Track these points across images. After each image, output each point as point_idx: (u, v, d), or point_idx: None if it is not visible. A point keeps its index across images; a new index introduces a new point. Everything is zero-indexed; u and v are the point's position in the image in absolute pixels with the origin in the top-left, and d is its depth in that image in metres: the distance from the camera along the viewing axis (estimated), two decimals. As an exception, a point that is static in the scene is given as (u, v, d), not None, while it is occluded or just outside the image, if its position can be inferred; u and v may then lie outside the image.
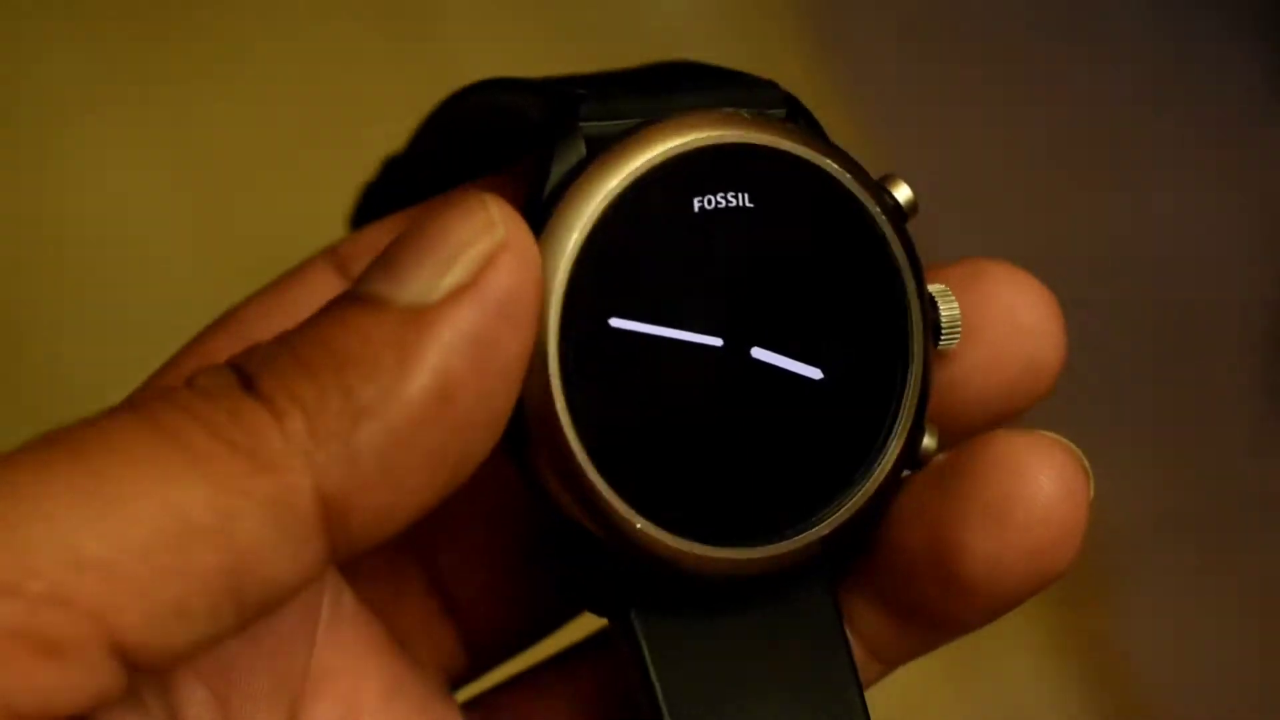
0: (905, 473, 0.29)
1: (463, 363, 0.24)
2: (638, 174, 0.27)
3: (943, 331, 0.29)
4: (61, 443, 0.23)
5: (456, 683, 0.31)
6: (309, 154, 0.64)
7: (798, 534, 0.27)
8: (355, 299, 0.24)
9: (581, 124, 0.28)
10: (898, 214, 0.29)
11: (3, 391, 0.61)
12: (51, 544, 0.22)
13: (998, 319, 0.29)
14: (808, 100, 0.30)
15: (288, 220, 0.65)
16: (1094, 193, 0.67)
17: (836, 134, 0.30)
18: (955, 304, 0.29)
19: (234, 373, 0.24)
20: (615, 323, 0.27)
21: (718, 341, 0.27)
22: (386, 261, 0.25)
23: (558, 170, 0.28)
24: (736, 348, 0.27)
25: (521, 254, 0.25)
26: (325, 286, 0.29)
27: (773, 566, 0.27)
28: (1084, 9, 0.70)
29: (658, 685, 0.27)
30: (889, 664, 0.30)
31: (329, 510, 0.23)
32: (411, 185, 0.32)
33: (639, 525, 0.27)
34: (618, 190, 0.27)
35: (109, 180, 0.65)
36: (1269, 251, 0.67)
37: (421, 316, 0.24)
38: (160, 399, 0.24)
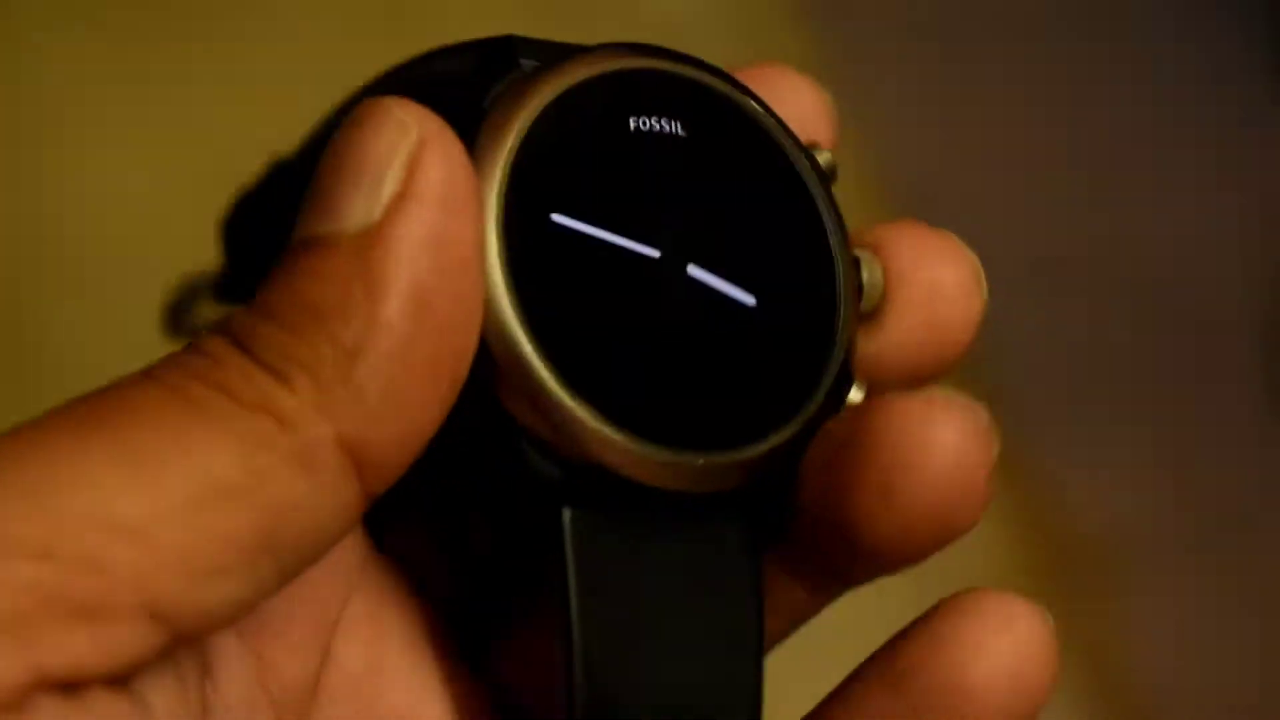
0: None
1: (427, 270, 0.24)
2: (575, 85, 0.28)
3: (862, 294, 0.29)
4: (90, 411, 0.23)
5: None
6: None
7: (722, 453, 0.27)
8: (306, 245, 0.25)
9: (520, 61, 0.28)
10: (825, 176, 0.29)
11: (2, 385, 0.61)
12: (87, 509, 0.22)
13: (907, 283, 0.30)
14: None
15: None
16: (1093, 192, 0.67)
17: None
18: (879, 268, 0.29)
19: (230, 340, 0.25)
20: (557, 219, 0.27)
21: (655, 253, 0.27)
22: (320, 200, 0.25)
23: (495, 92, 0.28)
24: (674, 262, 0.28)
25: (442, 145, 0.25)
26: None
27: (694, 481, 0.27)
28: (1084, 10, 0.70)
29: (572, 578, 0.27)
30: (794, 620, 0.30)
31: (354, 452, 0.24)
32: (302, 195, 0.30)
33: (574, 406, 0.26)
34: (553, 97, 0.27)
35: (107, 178, 0.65)
36: (1269, 252, 0.67)
37: (372, 240, 0.24)
38: (174, 367, 0.24)
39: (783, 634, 0.30)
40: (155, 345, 0.30)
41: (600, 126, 0.28)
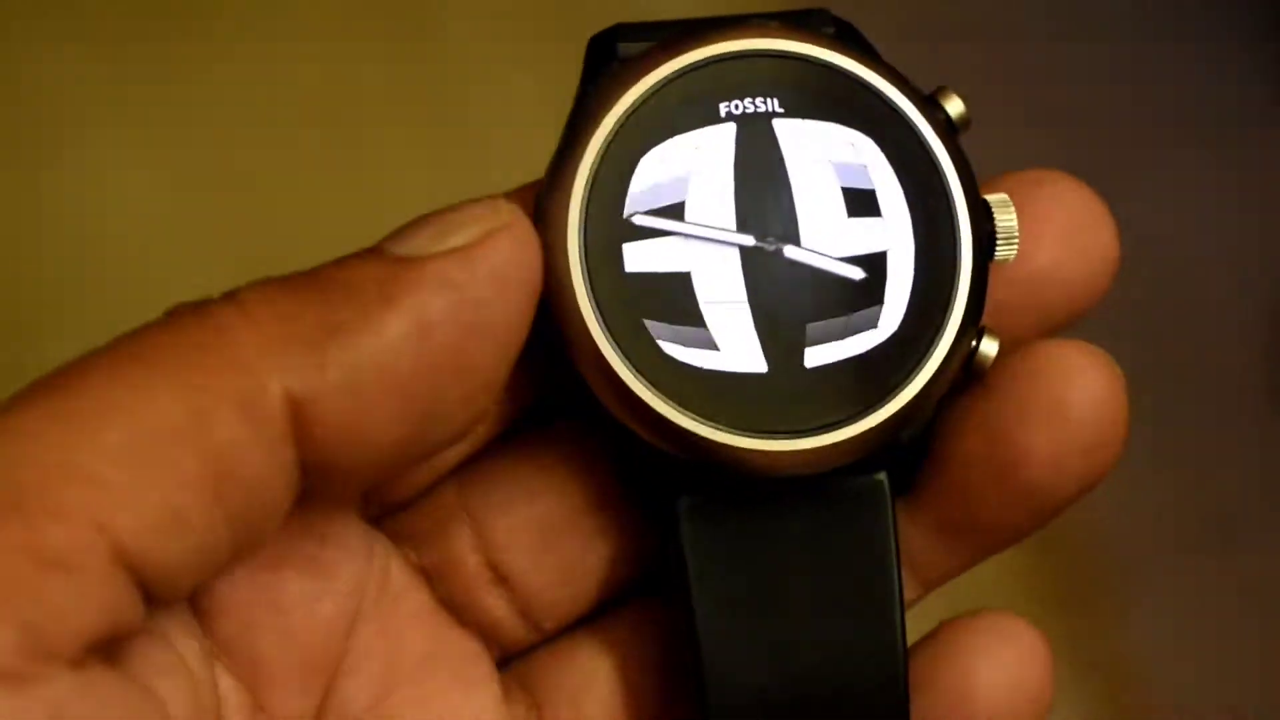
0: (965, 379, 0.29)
1: (441, 308, 0.25)
2: (659, 81, 0.28)
3: (999, 241, 0.29)
4: (41, 380, 0.24)
5: (520, 649, 0.31)
6: (309, 154, 0.64)
7: (842, 429, 0.27)
8: (359, 253, 0.25)
9: (619, 44, 0.28)
10: (947, 126, 0.29)
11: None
12: (39, 460, 0.23)
13: (1054, 225, 0.30)
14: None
15: (289, 220, 0.65)
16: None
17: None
18: (1013, 214, 0.29)
19: (220, 298, 0.25)
20: (638, 220, 0.27)
21: (749, 240, 0.27)
22: (399, 229, 0.26)
23: (590, 88, 0.28)
24: (769, 246, 0.27)
25: (521, 237, 0.26)
26: None
27: (817, 462, 0.27)
28: (1084, 9, 0.70)
29: (691, 569, 0.28)
30: (928, 585, 0.30)
31: (295, 413, 0.24)
32: None
33: (685, 424, 0.27)
34: (638, 97, 0.27)
35: (109, 181, 0.65)
36: (1269, 252, 0.66)
37: (410, 263, 0.25)
38: (141, 328, 0.25)
39: (919, 598, 0.31)
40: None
41: (689, 119, 0.28)
